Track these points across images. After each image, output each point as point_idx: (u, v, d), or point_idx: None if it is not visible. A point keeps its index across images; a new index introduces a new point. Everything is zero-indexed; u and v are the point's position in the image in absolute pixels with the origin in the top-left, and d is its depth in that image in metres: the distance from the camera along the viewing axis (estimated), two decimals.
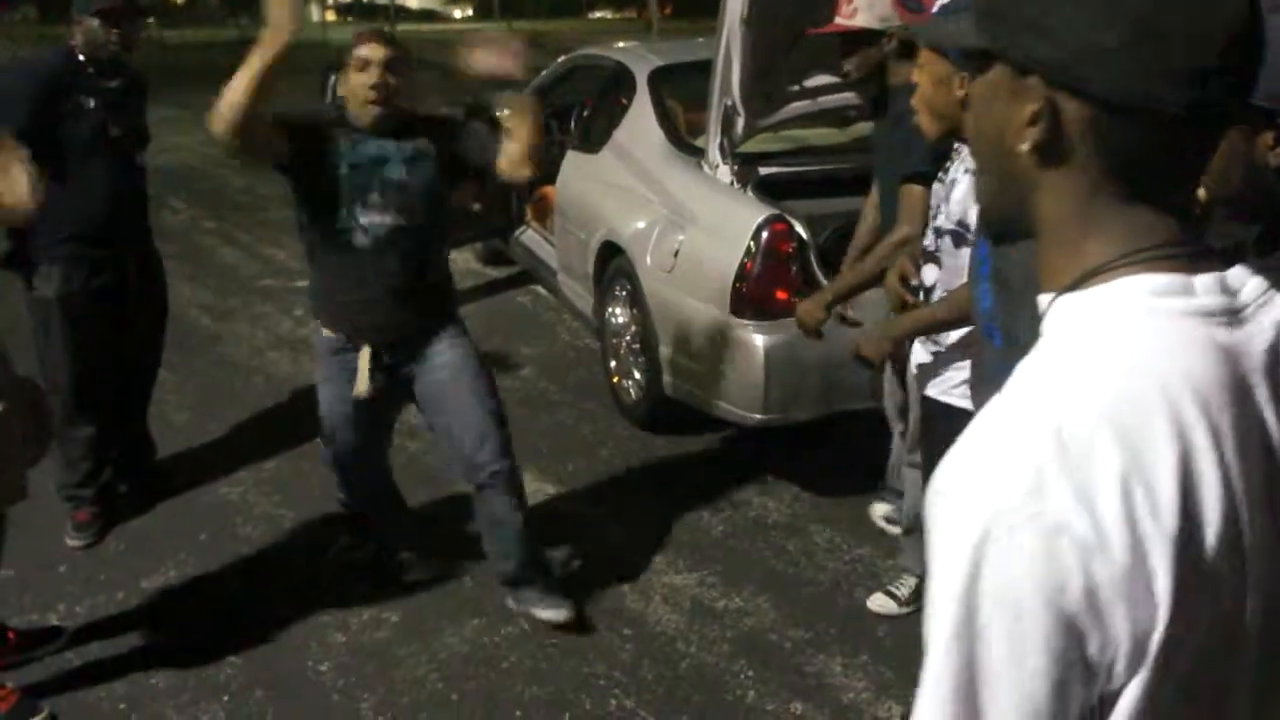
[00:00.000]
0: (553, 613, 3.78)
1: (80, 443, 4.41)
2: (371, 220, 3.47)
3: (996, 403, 0.95)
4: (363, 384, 3.59)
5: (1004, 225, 1.09)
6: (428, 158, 3.52)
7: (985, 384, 2.46)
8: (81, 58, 4.23)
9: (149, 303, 4.59)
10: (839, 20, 3.69)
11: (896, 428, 4.07)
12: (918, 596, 3.87)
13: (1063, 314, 0.98)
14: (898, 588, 3.90)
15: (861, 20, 3.60)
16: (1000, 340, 2.34)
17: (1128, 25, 0.90)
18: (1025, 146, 0.97)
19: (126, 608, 4.01)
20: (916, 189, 3.48)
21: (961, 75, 2.34)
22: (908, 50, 3.53)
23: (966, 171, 2.80)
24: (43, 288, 4.21)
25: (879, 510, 4.44)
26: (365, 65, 3.38)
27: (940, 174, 3.02)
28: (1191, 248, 0.96)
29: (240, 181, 12.44)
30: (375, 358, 3.61)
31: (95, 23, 4.17)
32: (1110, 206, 0.96)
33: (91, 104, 4.20)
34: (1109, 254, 0.96)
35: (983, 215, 1.13)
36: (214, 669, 3.63)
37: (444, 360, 3.64)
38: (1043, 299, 1.02)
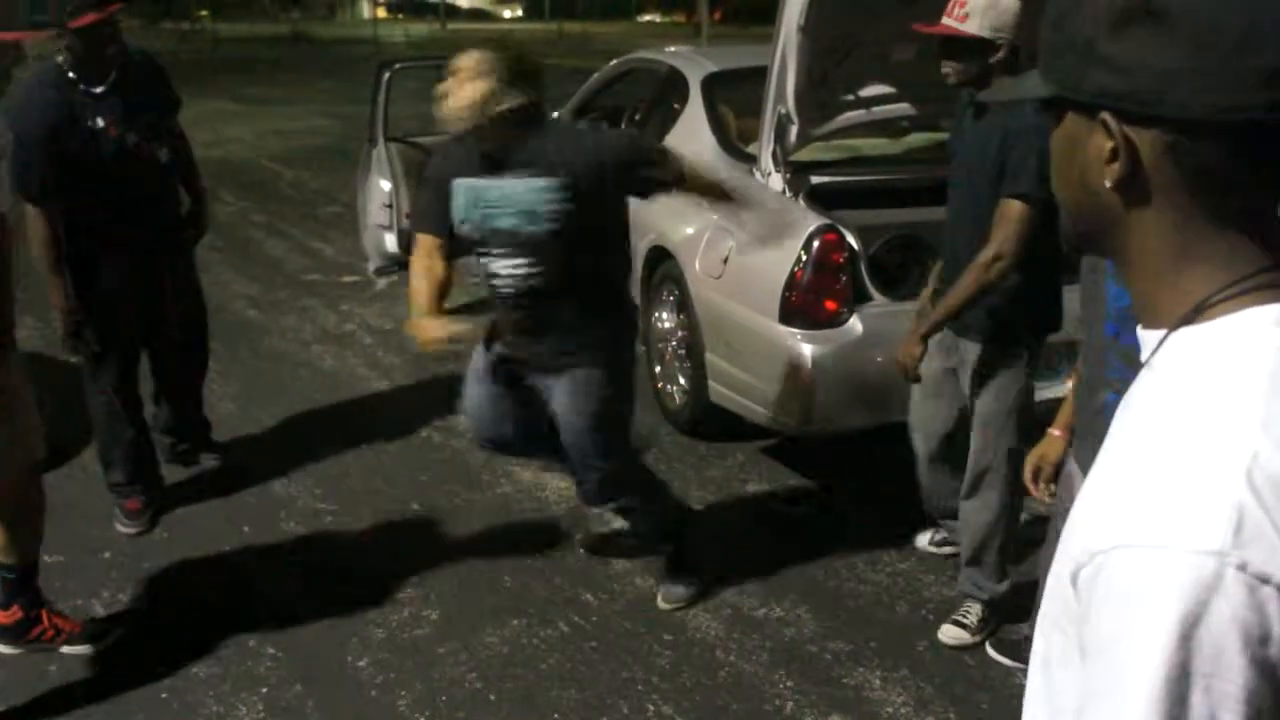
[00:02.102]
0: (663, 595, 3.99)
1: (123, 444, 4.45)
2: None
3: (1155, 443, 0.91)
4: None
5: (1083, 250, 1.07)
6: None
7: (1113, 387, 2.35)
8: (72, 75, 4.03)
9: (185, 302, 4.58)
10: (949, 21, 3.52)
11: (921, 448, 4.03)
12: (987, 622, 3.77)
13: (1187, 349, 0.95)
14: (964, 616, 3.78)
15: (973, 27, 3.40)
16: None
17: (1185, 39, 0.88)
18: (1109, 183, 0.95)
19: (168, 597, 4.04)
20: (1017, 205, 3.30)
21: None
22: (1011, 65, 3.41)
23: None
24: (80, 293, 4.16)
25: (923, 540, 4.36)
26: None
27: None
28: None
29: (290, 175, 12.55)
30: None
31: (79, 43, 3.96)
32: (1202, 235, 0.94)
33: (100, 122, 4.05)
34: (1213, 284, 0.94)
35: (1064, 238, 1.10)
36: (254, 661, 3.65)
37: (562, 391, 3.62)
38: (1146, 335, 1.00)
